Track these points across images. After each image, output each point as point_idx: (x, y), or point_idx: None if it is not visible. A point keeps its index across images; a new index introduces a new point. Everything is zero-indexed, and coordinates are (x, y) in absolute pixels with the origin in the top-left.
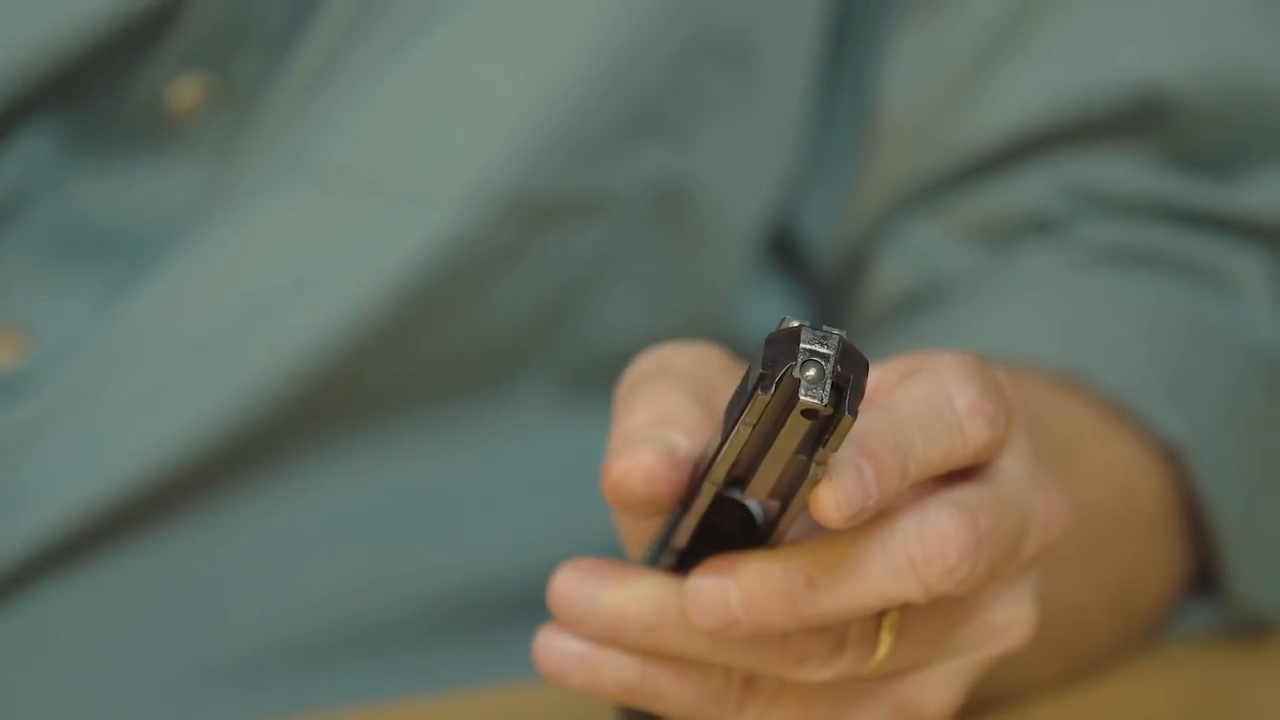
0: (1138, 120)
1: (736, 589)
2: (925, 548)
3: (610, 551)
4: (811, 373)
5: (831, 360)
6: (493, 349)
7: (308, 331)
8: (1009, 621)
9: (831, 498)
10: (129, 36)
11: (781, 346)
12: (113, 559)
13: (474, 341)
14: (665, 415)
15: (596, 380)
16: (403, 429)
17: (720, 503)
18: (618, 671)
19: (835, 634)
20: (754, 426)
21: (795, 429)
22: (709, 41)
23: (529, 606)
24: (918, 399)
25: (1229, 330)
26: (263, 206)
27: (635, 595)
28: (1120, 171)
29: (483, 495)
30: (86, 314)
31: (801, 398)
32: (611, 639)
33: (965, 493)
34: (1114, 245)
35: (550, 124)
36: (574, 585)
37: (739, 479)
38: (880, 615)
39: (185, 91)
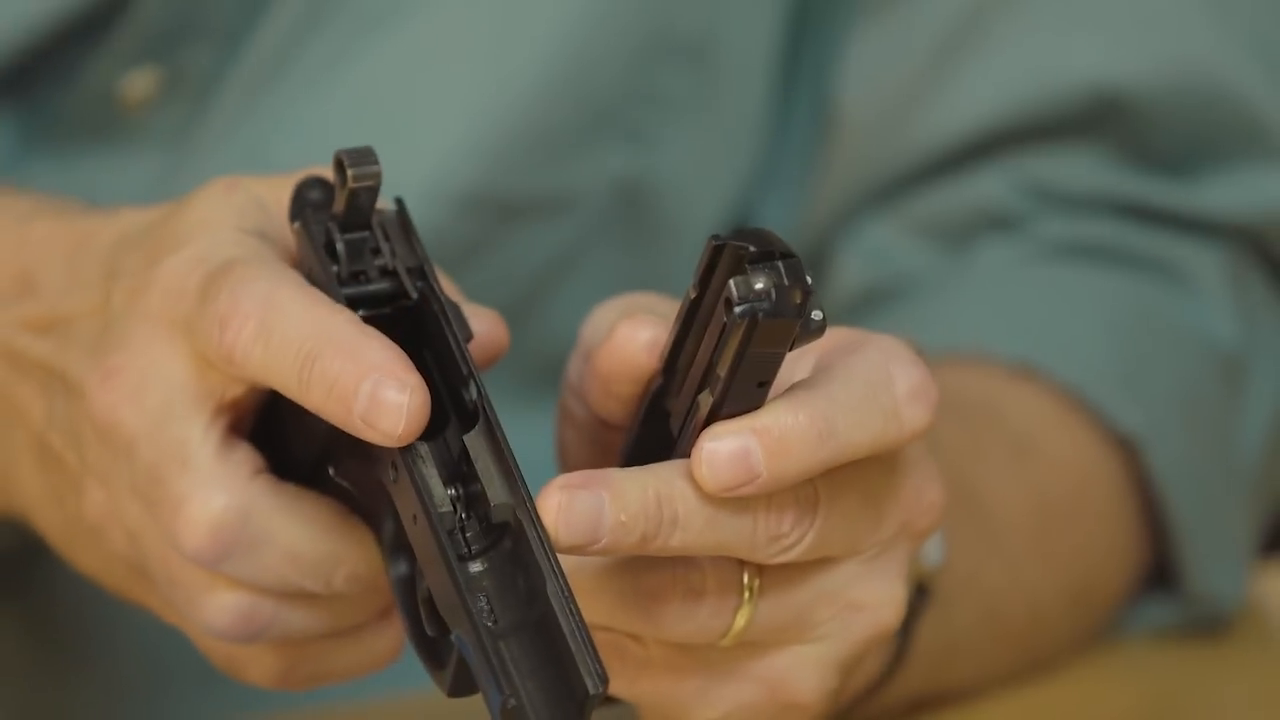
0: (1093, 120)
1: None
2: (767, 517)
3: None
4: (761, 280)
5: (781, 277)
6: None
7: None
8: (877, 601)
9: (701, 466)
10: (80, 29)
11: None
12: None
13: None
14: (643, 305)
15: (555, 376)
16: None
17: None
18: None
19: (694, 583)
20: (697, 296)
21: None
22: (669, 41)
23: None
24: (855, 378)
25: (1184, 325)
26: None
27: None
28: (1076, 169)
29: None
30: None
31: (730, 282)
32: None
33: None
34: (1070, 241)
35: (510, 122)
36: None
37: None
38: (739, 574)
39: (137, 84)
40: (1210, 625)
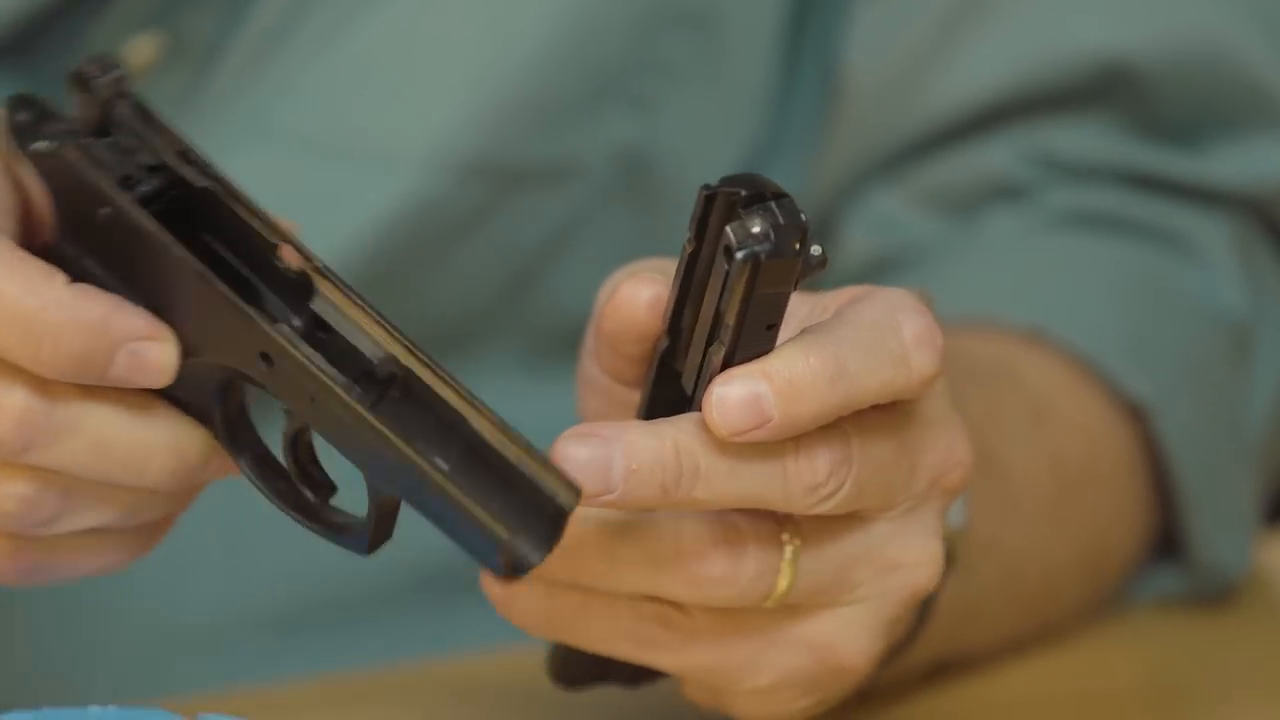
0: (1100, 91)
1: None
2: (798, 461)
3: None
4: (757, 223)
5: (777, 217)
6: (457, 314)
7: None
8: (914, 559)
9: (711, 411)
10: None
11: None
12: None
13: (438, 307)
14: (653, 266)
15: (560, 346)
16: None
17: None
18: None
19: (733, 541)
20: (694, 249)
21: (721, 274)
22: (672, 9)
23: None
24: (863, 323)
25: (1192, 294)
26: (225, 170)
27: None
28: (1083, 140)
29: None
30: None
31: (726, 229)
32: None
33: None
34: (1078, 210)
35: (513, 89)
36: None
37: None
38: (779, 534)
39: (139, 50)
40: (1216, 595)
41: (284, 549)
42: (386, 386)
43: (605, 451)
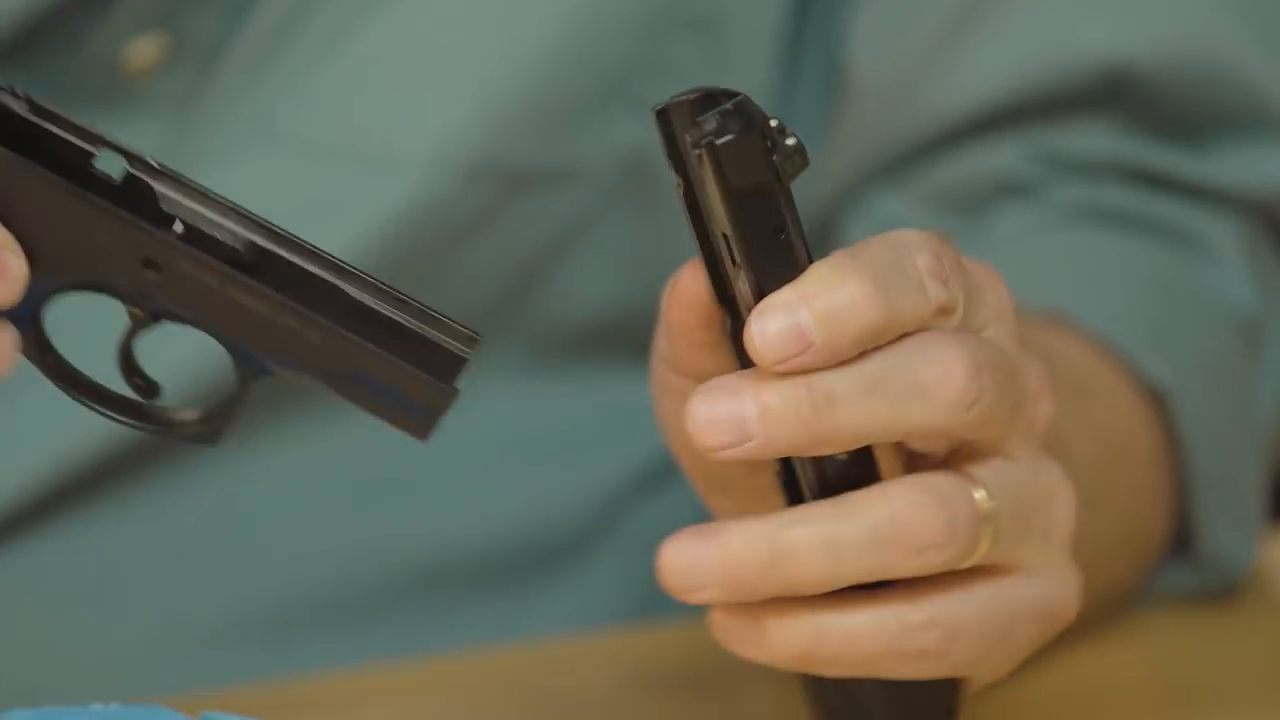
0: (1104, 95)
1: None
2: (934, 370)
3: (581, 512)
4: (710, 120)
5: (730, 110)
6: (461, 316)
7: None
8: (1052, 486)
9: (753, 340)
10: None
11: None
12: (80, 522)
13: (442, 309)
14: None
15: (563, 349)
16: None
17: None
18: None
19: (944, 499)
20: (683, 182)
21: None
22: (677, 13)
23: (496, 573)
24: (883, 249)
25: (1204, 288)
26: (228, 172)
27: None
28: (1089, 139)
29: (450, 463)
30: None
31: (684, 136)
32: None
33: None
34: (1088, 205)
35: (518, 91)
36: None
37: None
38: (965, 486)
39: (142, 51)
40: (1219, 591)
41: (287, 548)
42: (260, 270)
43: (734, 402)
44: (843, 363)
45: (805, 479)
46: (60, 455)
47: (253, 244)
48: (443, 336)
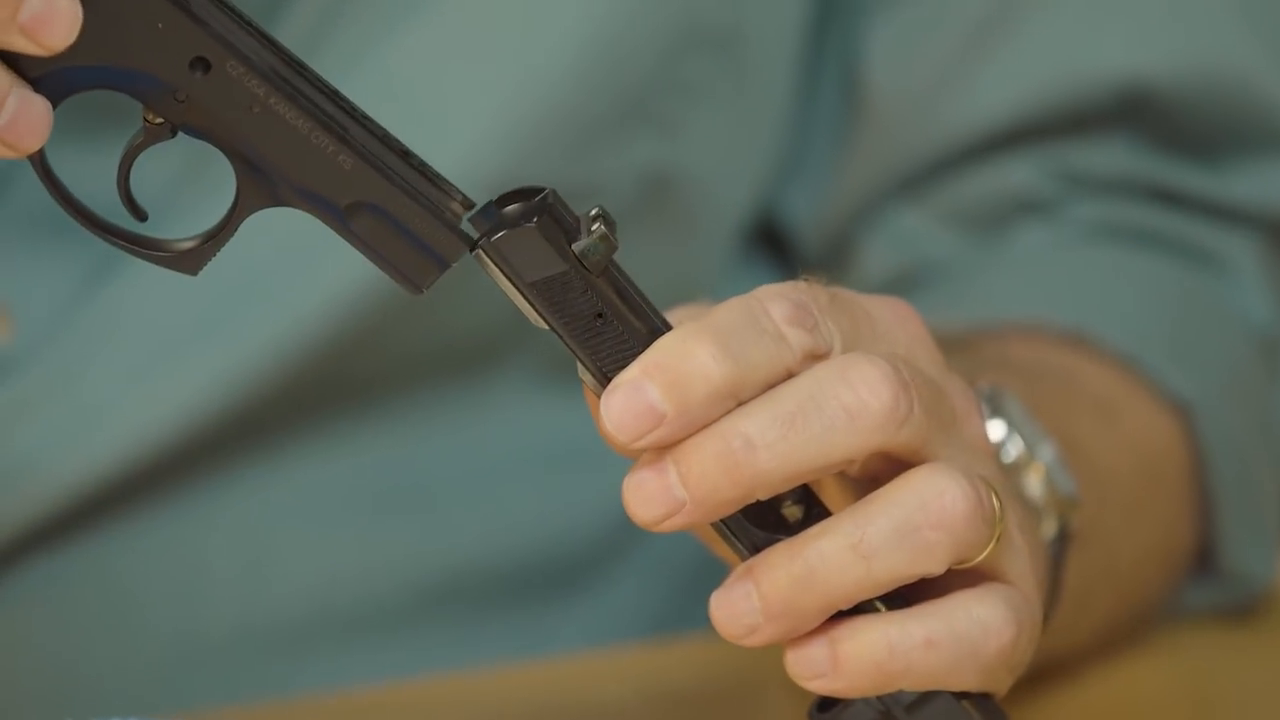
0: (1122, 112)
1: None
2: (857, 394)
3: (599, 527)
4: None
5: (495, 208)
6: (478, 332)
7: (294, 315)
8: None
9: (605, 424)
10: None
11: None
12: (99, 538)
13: (460, 325)
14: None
15: None
16: (388, 412)
17: None
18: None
19: (986, 513)
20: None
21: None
22: (697, 33)
23: (514, 589)
24: (733, 308)
25: (1223, 305)
26: None
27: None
28: (1107, 156)
29: (467, 477)
30: (72, 293)
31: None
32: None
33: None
34: (1106, 222)
35: (538, 112)
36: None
37: None
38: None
39: None
40: (1239, 608)
41: (305, 564)
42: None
43: (655, 473)
44: (747, 404)
45: (752, 537)
46: (80, 472)
47: (286, 67)
48: (449, 186)
